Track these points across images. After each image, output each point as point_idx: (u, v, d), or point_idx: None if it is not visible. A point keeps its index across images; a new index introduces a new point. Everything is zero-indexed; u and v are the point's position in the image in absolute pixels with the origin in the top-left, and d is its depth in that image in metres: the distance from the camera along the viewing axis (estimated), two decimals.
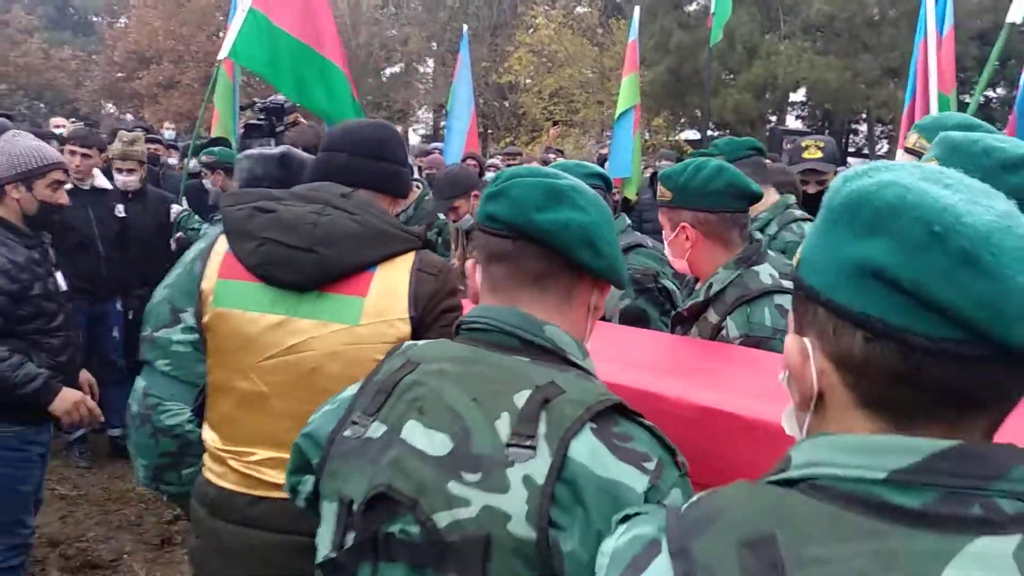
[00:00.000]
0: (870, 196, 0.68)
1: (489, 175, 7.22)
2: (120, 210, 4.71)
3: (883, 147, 24.68)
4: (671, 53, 20.10)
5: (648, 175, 7.94)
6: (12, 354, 2.69)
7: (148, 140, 6.53)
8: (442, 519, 1.02)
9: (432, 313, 1.66)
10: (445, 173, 4.06)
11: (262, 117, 5.53)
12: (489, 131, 24.25)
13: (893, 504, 0.65)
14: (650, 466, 0.99)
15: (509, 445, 1.02)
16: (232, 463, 1.69)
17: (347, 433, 1.15)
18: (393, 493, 1.05)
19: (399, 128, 28.99)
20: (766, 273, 1.93)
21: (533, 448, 1.00)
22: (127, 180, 4.82)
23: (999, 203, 0.67)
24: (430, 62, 27.66)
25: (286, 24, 5.02)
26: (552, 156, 8.82)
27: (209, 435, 1.73)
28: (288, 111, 5.32)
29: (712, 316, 1.95)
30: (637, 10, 7.78)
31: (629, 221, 3.12)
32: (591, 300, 1.24)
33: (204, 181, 5.55)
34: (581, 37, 21.08)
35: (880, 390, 0.68)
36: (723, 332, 1.90)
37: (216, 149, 5.33)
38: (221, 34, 22.90)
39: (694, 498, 0.77)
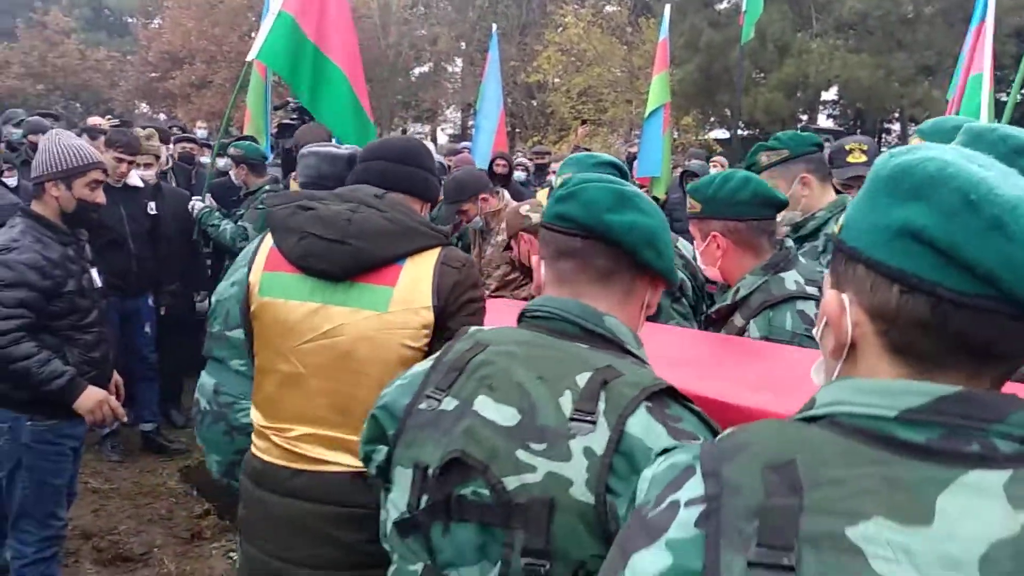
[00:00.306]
0: (913, 168, 0.77)
1: (518, 174, 7.21)
2: (152, 207, 4.76)
3: None
4: (701, 52, 19.94)
5: (678, 174, 7.90)
6: (41, 350, 2.73)
7: (182, 139, 6.61)
8: (511, 483, 1.14)
9: (455, 303, 1.78)
10: (453, 177, 4.04)
11: (295, 117, 5.59)
12: (517, 130, 24.25)
13: (901, 439, 0.75)
14: None
15: (572, 419, 1.13)
16: (274, 439, 1.84)
17: (422, 406, 1.27)
18: (466, 458, 1.17)
19: (427, 127, 29.10)
20: (791, 280, 2.02)
21: (593, 423, 1.12)
22: (144, 174, 4.87)
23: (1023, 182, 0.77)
24: (459, 61, 27.71)
25: (311, 32, 5.05)
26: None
27: (255, 414, 1.89)
28: None
29: (738, 320, 2.06)
30: (668, 8, 7.72)
31: None
32: (647, 297, 1.37)
33: (231, 176, 5.59)
34: (610, 36, 20.98)
35: (908, 339, 0.77)
36: (746, 335, 2.02)
37: (244, 143, 5.38)
38: (253, 34, 23.13)
39: (725, 432, 0.87)
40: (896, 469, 0.73)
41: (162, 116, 24.41)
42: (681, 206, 6.17)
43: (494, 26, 9.63)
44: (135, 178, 4.70)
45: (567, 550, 1.10)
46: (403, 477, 1.27)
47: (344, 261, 1.76)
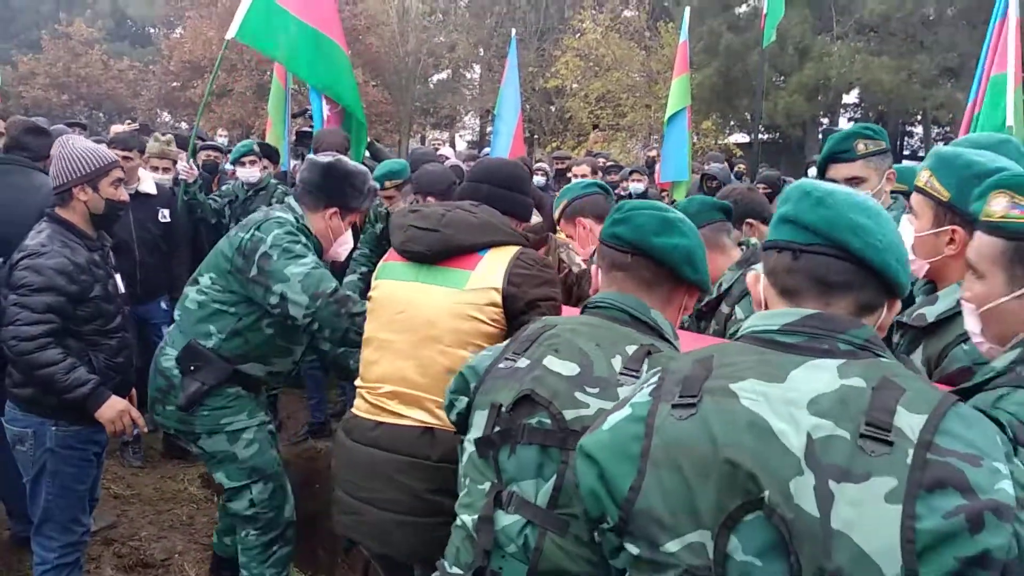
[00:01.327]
0: (791, 188, 1.29)
1: (538, 179, 7.18)
2: (165, 214, 4.75)
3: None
4: (720, 55, 19.85)
5: (697, 178, 7.84)
6: (66, 357, 2.74)
7: (205, 147, 6.63)
8: (569, 415, 1.50)
9: (525, 295, 2.11)
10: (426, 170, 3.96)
11: (313, 125, 5.59)
12: (535, 136, 24.25)
13: (779, 340, 1.20)
14: None
15: (621, 374, 1.50)
16: (366, 395, 2.24)
17: (501, 365, 1.65)
18: (535, 396, 1.54)
19: (446, 134, 29.16)
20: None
21: (637, 376, 1.46)
22: (162, 178, 4.88)
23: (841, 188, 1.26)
24: (477, 68, 27.79)
25: (290, 5, 5.11)
26: (602, 161, 8.76)
27: (359, 380, 2.31)
28: None
29: (724, 308, 2.49)
30: (687, 11, 7.67)
31: None
32: (683, 302, 1.75)
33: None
34: (628, 40, 20.93)
35: (782, 282, 1.25)
36: (733, 317, 2.44)
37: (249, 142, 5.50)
38: None
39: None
40: (769, 356, 1.18)
41: (184, 125, 24.65)
42: None
43: (513, 31, 9.62)
44: (149, 184, 4.69)
45: None
46: (480, 417, 1.63)
47: (435, 245, 2.17)
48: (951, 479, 0.98)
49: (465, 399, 1.69)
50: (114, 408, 2.82)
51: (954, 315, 1.63)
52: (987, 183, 1.48)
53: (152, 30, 31.36)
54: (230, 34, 5.06)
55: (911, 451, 1.01)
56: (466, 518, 1.64)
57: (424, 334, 2.14)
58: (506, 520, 1.55)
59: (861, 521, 1.00)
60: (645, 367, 1.47)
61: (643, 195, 7.18)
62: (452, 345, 2.11)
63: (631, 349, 1.53)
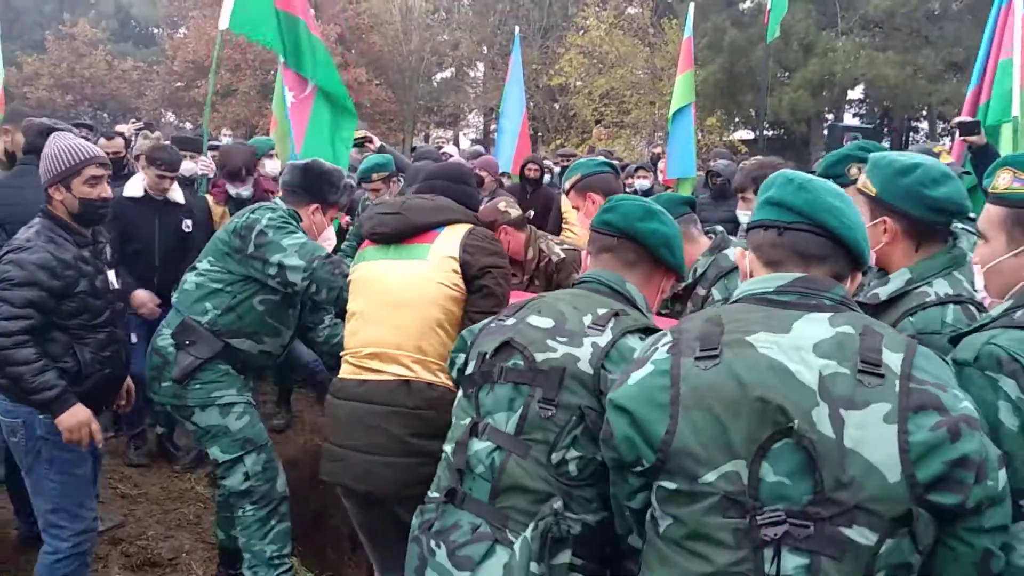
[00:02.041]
0: (774, 176, 1.54)
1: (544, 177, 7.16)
2: (187, 225, 4.72)
3: (946, 144, 23.88)
4: (724, 52, 19.80)
5: (703, 174, 7.81)
6: (40, 358, 2.71)
7: (211, 148, 6.62)
8: (539, 357, 1.76)
9: (479, 263, 2.51)
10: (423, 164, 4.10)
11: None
12: (539, 133, 24.23)
13: (776, 299, 1.43)
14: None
15: (589, 327, 1.76)
16: (350, 360, 2.61)
17: (492, 325, 1.95)
18: (513, 342, 1.81)
19: (450, 132, 29.17)
20: (731, 254, 2.63)
21: (602, 330, 1.74)
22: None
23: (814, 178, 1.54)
24: (480, 66, 27.76)
25: None
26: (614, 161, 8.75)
27: (342, 351, 2.68)
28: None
29: (700, 290, 2.67)
30: (692, 7, 7.64)
31: None
32: (661, 284, 2.02)
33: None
34: (632, 37, 20.88)
35: (768, 255, 1.49)
36: (710, 299, 2.63)
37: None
38: None
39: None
40: (772, 312, 1.41)
41: (188, 125, 24.69)
42: (709, 207, 6.08)
43: (516, 29, 9.61)
44: (177, 194, 4.68)
45: (568, 400, 1.71)
46: (471, 366, 1.91)
47: (398, 225, 2.59)
48: (930, 402, 1.25)
49: (463, 355, 1.97)
50: (75, 417, 2.76)
51: (903, 294, 1.88)
52: (997, 162, 1.70)
53: (156, 30, 31.40)
54: (222, 24, 5.12)
55: (897, 382, 1.27)
56: (447, 448, 1.92)
57: (397, 299, 2.53)
58: (478, 446, 1.80)
59: (867, 439, 1.24)
60: (611, 324, 1.75)
61: (648, 192, 7.15)
62: (421, 307, 2.50)
63: (601, 311, 1.79)
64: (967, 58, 19.17)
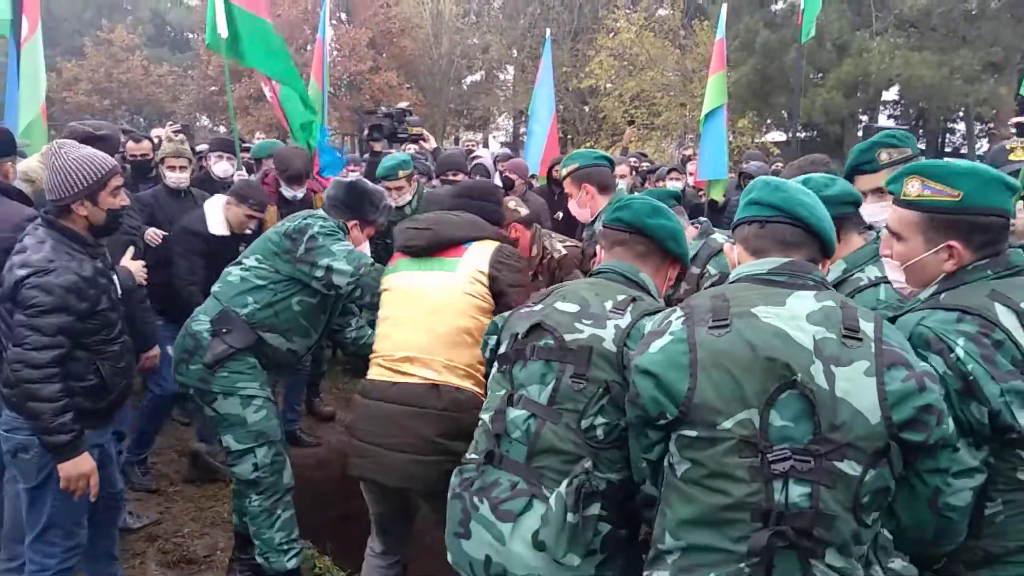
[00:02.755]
0: (754, 183, 1.88)
1: None
2: (241, 249, 4.68)
3: (982, 146, 23.37)
4: (757, 53, 19.60)
5: (735, 176, 7.74)
6: (64, 396, 2.65)
7: (244, 150, 6.70)
8: (568, 337, 2.02)
9: (504, 280, 2.74)
10: (464, 184, 4.12)
11: (384, 121, 5.68)
12: (569, 136, 24.18)
13: (771, 279, 1.73)
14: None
15: (610, 312, 2.03)
16: (381, 363, 2.82)
17: (522, 311, 2.20)
18: (543, 324, 2.08)
19: (480, 135, 29.22)
20: (720, 238, 3.04)
21: (623, 314, 2.02)
22: (180, 177, 4.84)
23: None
24: (510, 69, 27.78)
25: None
26: (634, 160, 8.71)
27: (374, 353, 2.89)
28: (407, 114, 5.46)
29: (694, 269, 2.97)
30: (724, 7, 7.56)
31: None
32: (668, 272, 2.29)
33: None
34: (663, 39, 20.78)
35: (753, 244, 1.81)
36: (705, 275, 2.97)
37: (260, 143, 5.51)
38: (309, 47, 23.56)
39: None
40: (769, 290, 1.70)
41: (222, 128, 25.00)
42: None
43: (548, 31, 9.60)
44: (221, 228, 4.57)
45: (596, 375, 1.97)
46: (503, 345, 2.19)
47: (430, 239, 2.84)
48: (899, 360, 1.57)
49: (495, 337, 2.24)
50: (78, 468, 2.71)
51: (840, 281, 2.23)
52: (902, 169, 1.93)
53: (191, 35, 31.84)
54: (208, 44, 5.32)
55: (872, 344, 1.58)
56: (485, 417, 2.16)
57: (430, 307, 2.74)
58: (514, 413, 2.05)
59: (853, 390, 1.55)
60: (630, 309, 2.02)
61: (680, 194, 7.09)
62: (451, 315, 2.71)
63: (621, 296, 2.06)
64: (1006, 58, 18.85)
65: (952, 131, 28.01)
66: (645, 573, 1.74)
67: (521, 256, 3.00)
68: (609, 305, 2.03)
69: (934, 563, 1.79)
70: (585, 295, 2.08)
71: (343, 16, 26.01)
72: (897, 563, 1.69)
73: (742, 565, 1.54)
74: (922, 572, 1.75)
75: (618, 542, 1.96)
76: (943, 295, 1.81)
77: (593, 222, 3.51)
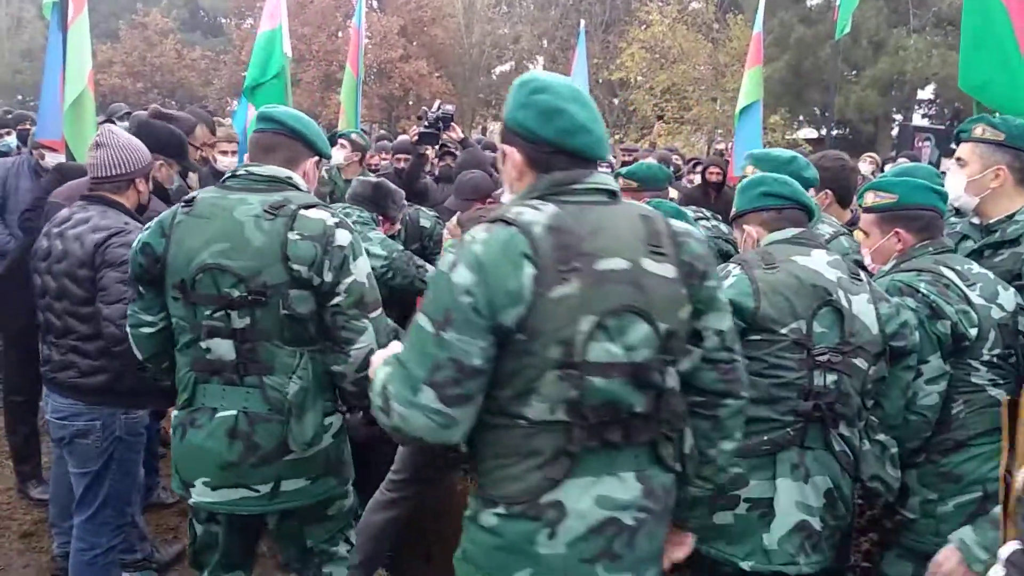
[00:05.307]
0: (760, 177, 2.57)
1: (603, 170, 7.14)
2: None
3: None
4: (791, 49, 19.40)
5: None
6: None
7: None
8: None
9: None
10: (470, 177, 4.11)
11: (432, 127, 5.64)
12: None
13: (796, 241, 2.29)
14: None
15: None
16: None
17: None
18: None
19: None
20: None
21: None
22: (231, 162, 4.88)
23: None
24: (540, 60, 27.71)
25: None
26: (676, 157, 8.68)
27: None
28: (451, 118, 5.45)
29: None
30: (762, 1, 7.49)
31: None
32: None
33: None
34: (696, 33, 20.60)
35: (773, 226, 2.35)
36: None
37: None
38: (340, 34, 23.68)
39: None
40: (796, 248, 2.27)
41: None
42: None
43: (582, 22, 9.58)
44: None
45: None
46: None
47: None
48: (881, 296, 2.25)
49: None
50: None
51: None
52: (864, 186, 2.66)
53: (224, 20, 32.06)
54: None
55: (868, 284, 2.25)
56: None
57: None
58: None
59: (862, 311, 2.18)
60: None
61: (720, 186, 7.05)
62: None
63: None
64: None
65: None
66: None
67: None
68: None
69: (915, 457, 2.38)
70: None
71: (375, 4, 26.07)
72: (881, 436, 2.27)
73: (787, 430, 2.13)
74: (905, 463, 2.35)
75: None
76: (901, 265, 2.48)
77: None
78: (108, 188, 2.85)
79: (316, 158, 2.40)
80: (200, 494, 2.22)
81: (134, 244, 2.30)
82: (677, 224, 1.73)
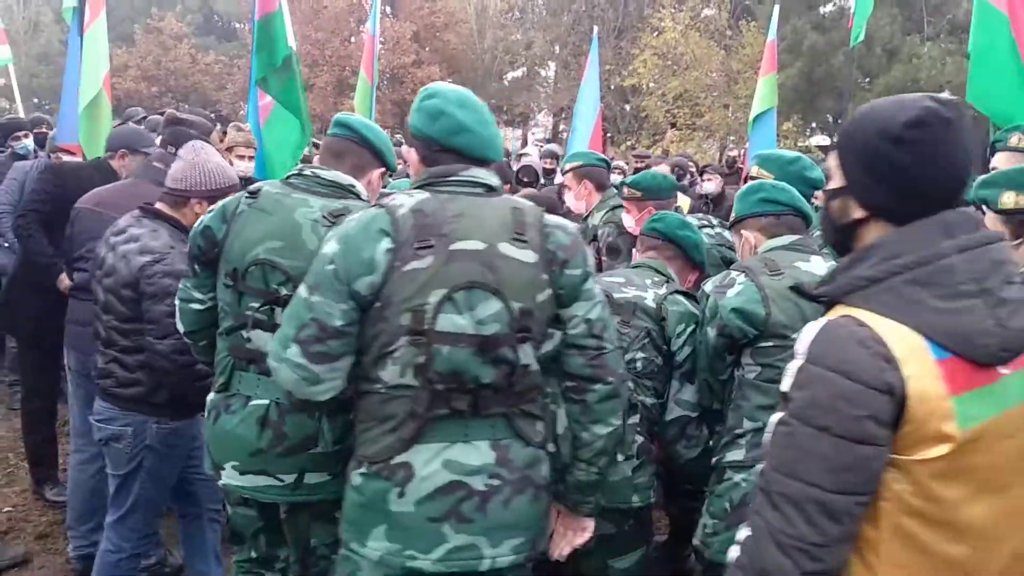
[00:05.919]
0: (759, 183, 2.67)
1: (615, 177, 7.15)
2: None
3: None
4: (804, 56, 19.34)
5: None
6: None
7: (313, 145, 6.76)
8: (616, 295, 2.66)
9: None
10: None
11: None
12: (609, 134, 24.07)
13: (795, 248, 2.41)
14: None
15: (649, 284, 2.73)
16: None
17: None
18: (610, 298, 2.51)
19: (519, 131, 29.22)
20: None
21: (660, 287, 2.73)
22: (248, 167, 4.90)
23: None
24: (552, 66, 27.74)
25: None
26: (683, 160, 8.67)
27: None
28: None
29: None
30: (776, 8, 7.49)
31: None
32: (688, 277, 2.89)
33: None
34: (708, 39, 20.58)
35: (770, 231, 2.47)
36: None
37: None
38: (354, 39, 23.77)
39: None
40: (795, 255, 2.38)
41: None
42: None
43: (595, 28, 9.57)
44: None
45: (638, 323, 2.55)
46: None
47: None
48: None
49: None
50: None
51: None
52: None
53: (238, 25, 32.23)
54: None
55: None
56: None
57: None
58: None
59: None
60: (665, 284, 2.67)
61: (720, 196, 7.06)
62: None
63: (656, 278, 2.71)
64: None
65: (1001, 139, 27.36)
66: (717, 456, 2.38)
67: None
68: (648, 281, 2.68)
69: None
70: (626, 274, 2.77)
71: (387, 9, 26.18)
72: None
73: None
74: None
75: (648, 452, 2.56)
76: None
77: (587, 217, 3.99)
78: (169, 201, 2.89)
79: (382, 169, 2.45)
80: (229, 477, 2.26)
81: (195, 226, 2.32)
82: (550, 218, 1.90)
